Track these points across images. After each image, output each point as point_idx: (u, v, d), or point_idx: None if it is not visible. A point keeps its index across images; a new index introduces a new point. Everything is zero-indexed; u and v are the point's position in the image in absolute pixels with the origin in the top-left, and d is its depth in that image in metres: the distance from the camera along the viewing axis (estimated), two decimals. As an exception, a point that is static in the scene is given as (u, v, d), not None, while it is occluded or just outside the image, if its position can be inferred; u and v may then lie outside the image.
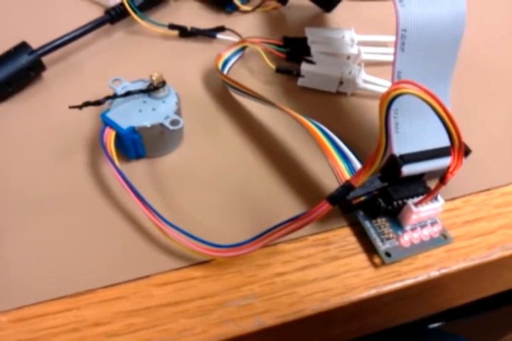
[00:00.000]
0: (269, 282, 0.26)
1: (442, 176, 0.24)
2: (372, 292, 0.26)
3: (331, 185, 0.29)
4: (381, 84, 0.35)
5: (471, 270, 0.28)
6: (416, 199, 0.27)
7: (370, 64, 0.37)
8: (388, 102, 0.22)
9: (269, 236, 0.25)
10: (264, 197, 0.30)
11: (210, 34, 0.39)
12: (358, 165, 0.28)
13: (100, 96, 0.31)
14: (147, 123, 0.29)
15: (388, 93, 0.22)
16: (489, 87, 0.38)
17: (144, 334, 0.24)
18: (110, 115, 0.29)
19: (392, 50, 0.26)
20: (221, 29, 0.39)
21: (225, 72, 0.35)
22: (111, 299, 0.25)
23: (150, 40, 0.39)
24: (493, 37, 0.42)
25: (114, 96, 0.30)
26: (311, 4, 0.42)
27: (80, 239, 0.27)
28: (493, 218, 0.30)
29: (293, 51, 0.37)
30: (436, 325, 0.53)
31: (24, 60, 0.33)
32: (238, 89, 0.33)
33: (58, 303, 0.25)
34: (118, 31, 0.39)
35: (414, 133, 0.27)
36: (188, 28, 0.39)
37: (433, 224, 0.28)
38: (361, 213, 0.28)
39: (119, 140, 0.29)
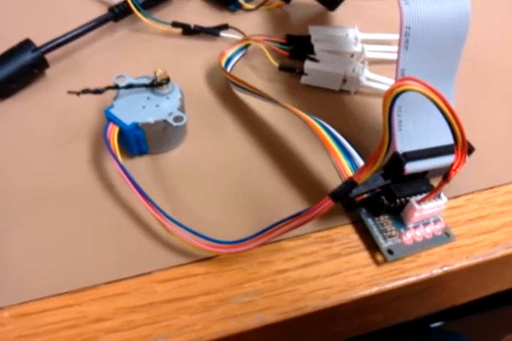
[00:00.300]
0: (271, 279, 0.26)
1: (445, 174, 0.24)
2: (375, 289, 0.26)
3: (334, 182, 0.29)
4: (385, 82, 0.35)
5: (474, 268, 0.28)
6: (419, 197, 0.27)
7: (373, 62, 0.37)
8: (392, 99, 0.22)
9: (272, 232, 0.25)
10: (267, 193, 0.30)
11: (213, 32, 0.39)
12: (360, 163, 0.28)
13: (103, 93, 0.31)
14: (150, 120, 0.29)
15: (392, 90, 0.22)
16: (493, 85, 0.37)
17: (144, 330, 0.24)
18: (114, 111, 0.29)
19: (395, 48, 0.26)
20: (224, 27, 0.39)
21: (228, 69, 0.35)
22: (113, 295, 0.25)
23: (153, 38, 0.39)
24: (496, 35, 0.42)
25: (116, 87, 0.30)
26: (315, 2, 0.42)
27: (83, 235, 0.27)
28: (496, 216, 0.30)
29: (296, 49, 0.37)
30: (438, 323, 0.53)
31: (28, 57, 0.33)
32: (241, 87, 0.33)
33: (60, 299, 0.25)
34: (121, 29, 0.39)
35: (417, 131, 0.27)
36: (192, 26, 0.39)
37: (436, 221, 0.28)
38: (364, 211, 0.28)
39: (123, 136, 0.29)
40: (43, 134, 0.31)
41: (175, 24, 0.38)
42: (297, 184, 0.30)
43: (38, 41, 0.34)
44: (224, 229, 0.28)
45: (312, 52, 0.36)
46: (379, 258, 0.27)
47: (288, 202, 0.29)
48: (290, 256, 0.27)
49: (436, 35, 0.26)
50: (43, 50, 0.34)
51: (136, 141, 0.30)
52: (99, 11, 0.38)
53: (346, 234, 0.28)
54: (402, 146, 0.26)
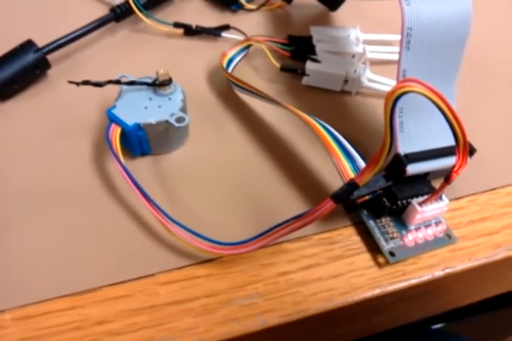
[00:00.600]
0: (273, 281, 0.26)
1: (447, 175, 0.24)
2: (377, 291, 0.26)
3: (335, 183, 0.29)
4: (386, 83, 0.35)
5: (476, 270, 0.28)
6: (420, 199, 0.27)
7: (375, 63, 0.37)
8: (393, 101, 0.22)
9: (273, 234, 0.25)
10: (268, 195, 0.30)
11: (214, 32, 0.39)
12: (362, 164, 0.28)
13: (105, 94, 0.31)
14: (152, 120, 0.29)
15: (393, 91, 0.21)
16: (494, 86, 0.37)
17: (146, 333, 0.24)
18: (116, 111, 0.29)
19: (397, 48, 0.26)
20: (226, 27, 0.39)
21: (230, 70, 0.35)
22: (116, 297, 0.25)
23: (155, 39, 0.39)
24: (498, 36, 0.42)
25: (117, 82, 0.30)
26: (316, 3, 0.42)
27: (85, 237, 0.27)
28: (498, 218, 0.30)
29: (298, 50, 0.37)
30: (439, 325, 0.53)
31: (30, 57, 0.33)
32: (243, 88, 0.33)
33: (63, 301, 0.25)
34: (123, 29, 0.39)
35: (419, 132, 0.27)
36: (193, 27, 0.39)
37: (437, 223, 0.28)
38: (365, 212, 0.28)
39: (125, 136, 0.29)
40: (44, 135, 0.31)
41: (176, 25, 0.38)
42: (299, 185, 0.30)
43: (40, 42, 0.34)
44: (225, 230, 0.28)
45: (314, 52, 0.36)
46: (381, 260, 0.27)
47: (289, 203, 0.29)
48: (292, 258, 0.27)
49: (438, 35, 0.26)
50: (44, 50, 0.34)
51: (138, 142, 0.30)
52: (101, 11, 0.38)
53: (348, 235, 0.28)
54: (403, 148, 0.26)
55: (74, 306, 0.25)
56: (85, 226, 0.28)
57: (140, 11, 0.38)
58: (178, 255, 0.27)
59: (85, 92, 0.33)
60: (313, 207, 0.25)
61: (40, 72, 0.34)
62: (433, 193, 0.26)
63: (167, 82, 0.30)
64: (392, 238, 0.27)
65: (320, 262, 0.27)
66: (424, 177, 0.28)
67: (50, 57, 0.34)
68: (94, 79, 0.33)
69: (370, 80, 0.35)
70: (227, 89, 0.35)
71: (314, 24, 0.38)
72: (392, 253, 0.27)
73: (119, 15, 0.38)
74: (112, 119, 0.29)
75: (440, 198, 0.27)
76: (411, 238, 0.28)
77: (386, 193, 0.27)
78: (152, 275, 0.26)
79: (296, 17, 0.42)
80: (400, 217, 0.28)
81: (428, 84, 0.21)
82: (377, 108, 0.35)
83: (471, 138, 0.23)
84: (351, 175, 0.27)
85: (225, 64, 0.35)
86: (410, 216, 0.27)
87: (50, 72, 0.35)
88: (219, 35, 0.39)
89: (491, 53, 0.40)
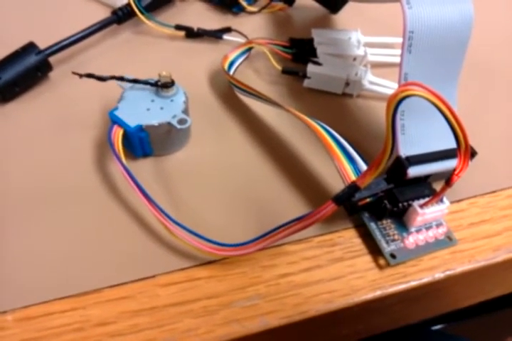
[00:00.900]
0: (274, 283, 0.26)
1: (448, 178, 0.24)
2: (377, 293, 0.26)
3: (337, 186, 0.29)
4: (387, 86, 0.35)
5: (476, 272, 0.28)
6: (421, 201, 0.27)
7: (376, 65, 0.37)
8: (395, 104, 0.22)
9: (274, 235, 0.25)
10: (270, 197, 0.30)
11: (216, 35, 0.39)
12: (363, 167, 0.28)
13: (107, 96, 0.31)
14: (155, 122, 0.29)
15: (395, 95, 0.22)
16: (495, 89, 0.38)
17: (148, 334, 0.24)
18: (118, 113, 0.29)
19: (398, 51, 0.26)
20: (227, 30, 0.39)
21: (231, 72, 0.35)
22: (117, 299, 0.25)
23: (156, 41, 0.39)
24: (499, 38, 0.42)
25: (121, 78, 0.30)
26: (318, 5, 0.42)
27: (86, 238, 0.27)
28: (498, 220, 0.30)
29: (299, 52, 0.37)
30: (439, 326, 0.53)
31: (31, 60, 0.33)
32: (244, 90, 0.33)
33: (64, 303, 0.25)
34: (125, 32, 0.39)
35: (420, 135, 0.27)
36: (195, 29, 0.39)
37: (438, 225, 0.28)
38: (366, 215, 0.28)
39: (127, 138, 0.29)
40: (45, 136, 0.32)
41: (178, 27, 0.39)
42: (300, 188, 0.30)
43: (42, 44, 0.34)
44: (227, 232, 0.28)
45: (315, 55, 0.36)
46: (381, 262, 0.27)
47: (291, 205, 0.29)
48: (293, 260, 0.27)
49: (440, 38, 0.26)
50: (46, 53, 0.34)
51: (140, 143, 0.30)
52: (103, 13, 0.38)
53: (349, 238, 0.28)
54: (405, 150, 0.26)
55: (75, 307, 0.25)
56: (87, 227, 0.28)
57: (142, 13, 0.38)
58: (179, 257, 0.27)
59: (87, 94, 0.33)
60: (315, 209, 0.25)
61: (42, 74, 0.34)
62: (434, 196, 0.26)
63: (169, 84, 0.30)
64: (393, 240, 0.28)
65: (321, 264, 0.27)
66: (425, 180, 0.28)
67: (51, 59, 0.34)
68: (96, 82, 0.33)
69: (371, 83, 0.35)
70: (229, 92, 0.35)
71: (316, 27, 0.38)
72: (393, 255, 0.27)
73: (120, 17, 0.38)
74: (114, 121, 0.29)
75: (441, 200, 0.27)
76: (412, 240, 0.28)
77: (387, 195, 0.27)
78: (153, 276, 0.26)
79: (298, 19, 0.42)
80: (401, 219, 0.28)
81: (430, 88, 0.21)
82: (379, 110, 0.35)
83: (472, 141, 0.23)
84: (353, 177, 0.27)
85: (226, 66, 0.35)
86: (411, 218, 0.27)
87: (51, 74, 0.35)
88: (220, 38, 0.39)
89: (492, 56, 0.40)
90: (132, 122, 0.29)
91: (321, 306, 0.26)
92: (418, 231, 0.28)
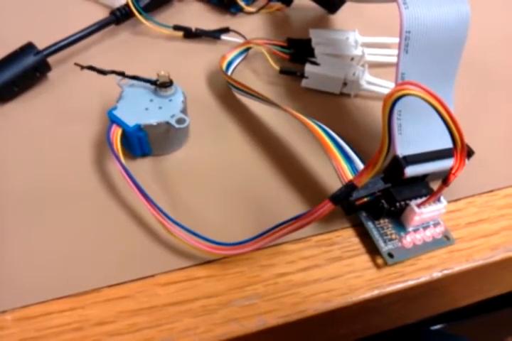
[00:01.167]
0: (272, 282, 0.26)
1: (445, 178, 0.24)
2: (375, 293, 0.27)
3: (334, 185, 0.29)
4: (385, 86, 0.35)
5: (474, 271, 0.28)
6: (419, 201, 0.27)
7: (373, 65, 0.37)
8: (391, 103, 0.22)
9: (272, 234, 0.25)
10: (268, 196, 0.30)
11: (214, 35, 0.39)
12: (360, 166, 0.28)
13: (106, 95, 0.31)
14: (153, 121, 0.29)
15: (391, 94, 0.22)
16: (492, 89, 0.38)
17: (146, 334, 0.24)
18: (117, 112, 0.29)
19: (395, 51, 0.27)
20: (225, 30, 0.39)
21: (229, 73, 0.35)
22: (116, 298, 0.25)
23: (155, 41, 0.39)
24: (496, 38, 0.42)
25: (122, 74, 0.30)
26: (316, 6, 0.42)
27: (85, 237, 0.27)
28: (496, 219, 0.30)
29: (297, 52, 0.37)
30: (438, 326, 0.53)
31: (30, 60, 0.33)
32: (242, 90, 0.33)
33: (63, 302, 0.25)
34: (123, 32, 0.39)
35: (417, 135, 0.27)
36: (193, 29, 0.39)
37: (436, 225, 0.29)
38: (364, 214, 0.28)
39: (125, 137, 0.29)
40: (44, 136, 0.32)
41: (176, 27, 0.39)
42: (298, 187, 0.30)
43: (40, 44, 0.34)
44: (225, 231, 0.28)
45: (313, 55, 0.36)
46: (379, 261, 0.27)
47: (289, 204, 0.29)
48: (291, 259, 0.27)
49: (436, 38, 0.26)
50: (45, 53, 0.34)
51: (139, 143, 0.30)
52: (101, 14, 0.38)
53: (347, 237, 0.29)
54: (401, 150, 0.26)
55: (74, 307, 0.25)
56: (85, 226, 0.28)
57: (140, 13, 0.38)
58: (178, 256, 0.27)
59: (86, 94, 0.33)
60: (312, 208, 0.25)
61: (41, 74, 0.34)
62: (431, 195, 0.26)
63: (168, 84, 0.30)
64: (391, 239, 0.28)
65: (319, 263, 0.27)
66: (422, 179, 0.28)
67: (50, 59, 0.34)
68: (94, 81, 0.33)
69: (368, 83, 0.35)
70: (227, 92, 0.35)
71: (313, 27, 0.38)
72: (390, 255, 0.27)
73: (119, 18, 0.38)
74: (113, 120, 0.29)
75: (438, 200, 0.27)
76: (409, 239, 0.28)
77: (385, 195, 0.27)
78: (152, 276, 0.26)
79: (296, 20, 0.42)
80: (399, 218, 0.28)
81: (426, 87, 0.21)
82: (376, 110, 0.35)
83: (469, 141, 0.23)
84: (350, 176, 0.27)
85: (224, 66, 0.35)
86: (409, 218, 0.27)
87: (50, 75, 0.35)
88: (218, 38, 0.39)
89: (489, 56, 0.40)
90: (131, 122, 0.29)
91: (319, 305, 0.26)
92: (415, 230, 0.28)
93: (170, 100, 0.30)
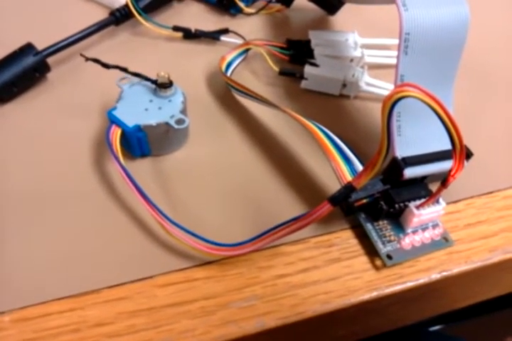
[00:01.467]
0: (271, 284, 0.26)
1: (444, 179, 0.24)
2: (374, 294, 0.27)
3: (333, 186, 0.29)
4: (384, 87, 0.35)
5: (473, 273, 0.28)
6: (418, 202, 0.27)
7: (373, 67, 0.37)
8: (391, 105, 0.22)
9: (271, 235, 0.25)
10: (267, 197, 0.30)
11: (214, 36, 0.39)
12: (359, 167, 0.28)
13: (106, 96, 0.31)
14: (153, 122, 0.29)
15: (391, 96, 0.22)
16: (491, 90, 0.38)
17: (145, 335, 0.24)
18: (116, 113, 0.29)
19: (395, 53, 0.27)
20: (225, 31, 0.39)
21: (229, 74, 0.35)
22: (114, 299, 0.25)
23: (154, 42, 0.39)
24: (495, 40, 0.42)
25: (125, 70, 0.30)
26: (315, 7, 0.42)
27: (84, 239, 0.27)
28: (495, 221, 0.30)
29: (296, 53, 0.37)
30: (437, 327, 0.53)
31: (29, 60, 0.33)
32: (241, 91, 0.33)
33: (61, 303, 0.25)
34: (122, 33, 0.39)
35: (416, 136, 0.27)
36: (192, 30, 0.39)
37: (434, 226, 0.29)
38: (363, 215, 0.28)
39: (125, 138, 0.29)
40: (44, 137, 0.32)
41: (176, 28, 0.39)
42: (296, 188, 0.30)
43: (40, 45, 0.34)
44: (224, 232, 0.28)
45: (312, 56, 0.36)
46: (378, 263, 0.27)
47: (288, 206, 0.29)
48: (290, 260, 0.27)
49: (436, 40, 0.27)
50: (44, 53, 0.34)
51: (138, 143, 0.30)
52: (101, 15, 0.38)
53: (346, 238, 0.29)
54: (401, 151, 0.26)
55: (73, 308, 0.25)
56: (84, 227, 0.28)
57: (139, 14, 0.38)
58: (176, 257, 0.27)
59: (85, 94, 0.33)
60: (311, 210, 0.25)
61: (40, 75, 0.34)
62: (430, 197, 0.26)
63: (167, 84, 0.30)
64: (390, 241, 0.28)
65: (318, 265, 0.27)
66: (421, 181, 0.28)
67: (49, 60, 0.34)
68: (94, 82, 0.33)
69: (368, 84, 0.35)
70: (227, 92, 0.35)
71: (313, 28, 0.38)
72: (389, 256, 0.27)
73: (118, 18, 0.38)
74: (113, 120, 0.29)
75: (437, 201, 0.27)
76: (408, 241, 0.28)
77: (383, 196, 0.27)
78: (151, 277, 0.26)
79: (295, 21, 0.42)
80: (397, 220, 0.28)
81: (425, 89, 0.21)
82: (376, 112, 0.35)
83: (468, 142, 0.23)
84: (349, 178, 0.27)
85: (223, 67, 0.35)
86: (407, 219, 0.27)
87: (49, 75, 0.35)
88: (218, 39, 0.39)
89: (488, 58, 0.40)
90: (130, 122, 0.29)
91: (317, 307, 0.26)
92: (414, 232, 0.28)
93: (169, 101, 0.30)
